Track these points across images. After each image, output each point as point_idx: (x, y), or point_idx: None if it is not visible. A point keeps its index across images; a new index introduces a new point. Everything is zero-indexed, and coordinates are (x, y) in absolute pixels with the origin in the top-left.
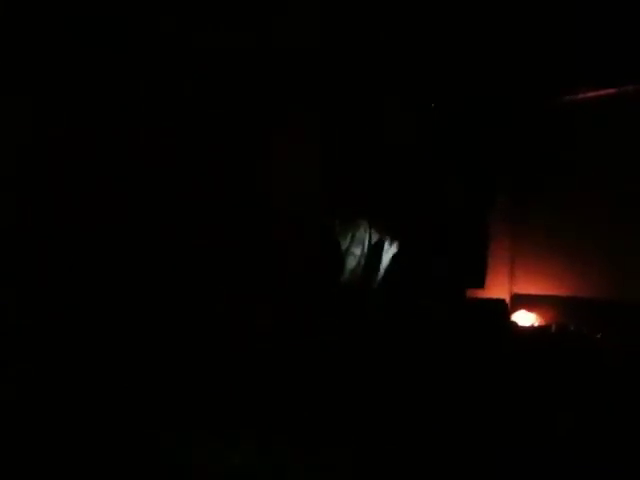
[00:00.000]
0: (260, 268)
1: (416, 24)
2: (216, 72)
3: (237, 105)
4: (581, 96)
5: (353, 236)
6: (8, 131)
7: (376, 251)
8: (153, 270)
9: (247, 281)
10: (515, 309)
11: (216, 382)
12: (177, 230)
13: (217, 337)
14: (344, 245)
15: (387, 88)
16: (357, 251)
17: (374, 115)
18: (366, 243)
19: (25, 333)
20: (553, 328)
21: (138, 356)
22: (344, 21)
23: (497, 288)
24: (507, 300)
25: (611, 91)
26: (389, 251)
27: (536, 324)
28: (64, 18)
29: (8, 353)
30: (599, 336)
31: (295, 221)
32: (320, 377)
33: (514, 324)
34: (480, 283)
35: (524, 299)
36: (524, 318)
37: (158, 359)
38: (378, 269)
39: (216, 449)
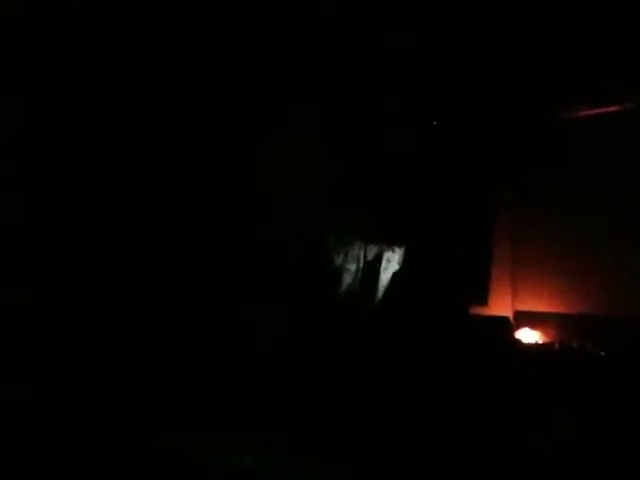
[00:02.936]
0: (255, 271)
1: (417, 26)
2: (215, 71)
3: (236, 105)
4: (582, 110)
5: (347, 252)
6: (9, 131)
7: (373, 268)
8: (152, 271)
9: (245, 285)
10: (518, 326)
11: (217, 385)
12: (176, 229)
13: (218, 340)
14: (337, 261)
15: (387, 89)
16: (352, 267)
17: (375, 125)
18: (361, 259)
19: (26, 333)
20: (557, 345)
21: (142, 359)
22: (349, 22)
23: (500, 305)
24: (510, 317)
25: (611, 107)
26: (388, 269)
27: (540, 341)
28: (68, 19)
29: (9, 353)
30: (603, 353)
31: (291, 226)
32: (319, 387)
33: (518, 341)
34: (483, 300)
35: (527, 316)
36: (528, 335)
37: (160, 361)
38: (376, 286)
39: (218, 450)
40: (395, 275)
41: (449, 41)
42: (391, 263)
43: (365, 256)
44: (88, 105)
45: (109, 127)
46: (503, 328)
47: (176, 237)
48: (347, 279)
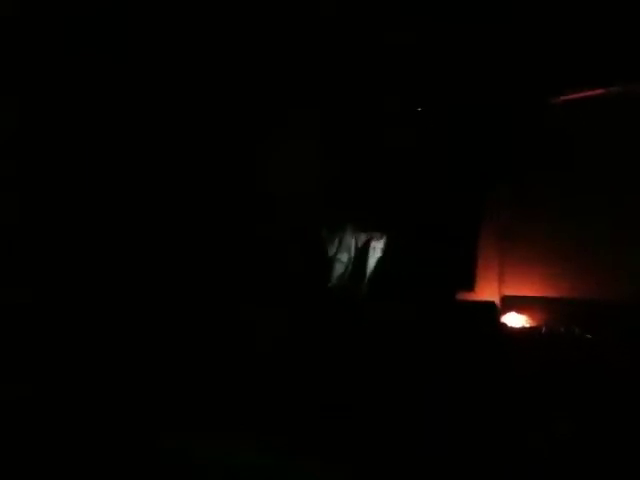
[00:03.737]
0: (253, 270)
1: (417, 26)
2: (215, 71)
3: (235, 105)
4: (578, 100)
5: (340, 242)
6: (9, 131)
7: (363, 254)
8: (152, 271)
9: (242, 283)
10: (505, 311)
11: (217, 385)
12: (176, 229)
13: (218, 340)
14: (331, 251)
15: (385, 90)
16: (344, 257)
17: (372, 118)
18: (353, 248)
19: (26, 333)
20: (543, 329)
21: (142, 359)
22: (347, 22)
23: (487, 290)
24: (497, 302)
25: (607, 94)
26: (375, 254)
27: (527, 326)
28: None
29: (9, 353)
30: (590, 337)
31: (289, 226)
32: (314, 382)
33: (504, 326)
34: (469, 285)
35: (514, 301)
36: (514, 320)
37: (160, 361)
38: (365, 273)
39: (218, 450)
40: (385, 263)
41: (448, 41)
42: (378, 251)
43: (353, 247)
44: (88, 105)
45: (109, 127)
46: (489, 312)
47: (176, 237)
48: (335, 276)
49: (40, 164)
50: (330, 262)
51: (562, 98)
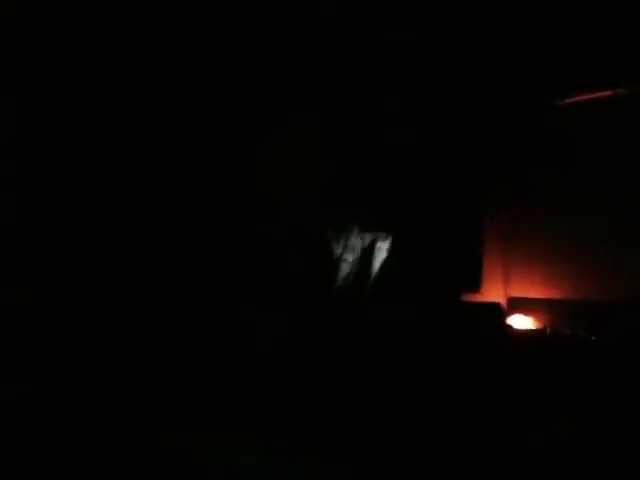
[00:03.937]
0: (255, 271)
1: (417, 26)
2: (215, 71)
3: (235, 105)
4: (579, 102)
5: (346, 242)
6: (9, 131)
7: (366, 255)
8: (152, 271)
9: (243, 284)
10: (511, 313)
11: (217, 385)
12: (176, 229)
13: (218, 340)
14: (337, 252)
15: (385, 90)
16: (349, 258)
17: (372, 118)
18: (356, 249)
19: (26, 333)
20: (548, 331)
21: (141, 359)
22: (346, 21)
23: (493, 292)
24: (503, 304)
25: (608, 96)
26: (379, 255)
27: (533, 327)
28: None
29: (9, 353)
30: (594, 338)
31: (290, 226)
32: (314, 382)
33: (510, 328)
34: (475, 287)
35: (520, 302)
36: (520, 321)
37: (160, 361)
38: (369, 273)
39: (218, 450)
40: (390, 265)
41: (448, 41)
42: (383, 252)
43: (358, 248)
44: (88, 105)
45: (109, 127)
46: (495, 314)
47: (176, 237)
48: (340, 277)
49: (40, 164)
50: (332, 262)
51: (562, 99)
